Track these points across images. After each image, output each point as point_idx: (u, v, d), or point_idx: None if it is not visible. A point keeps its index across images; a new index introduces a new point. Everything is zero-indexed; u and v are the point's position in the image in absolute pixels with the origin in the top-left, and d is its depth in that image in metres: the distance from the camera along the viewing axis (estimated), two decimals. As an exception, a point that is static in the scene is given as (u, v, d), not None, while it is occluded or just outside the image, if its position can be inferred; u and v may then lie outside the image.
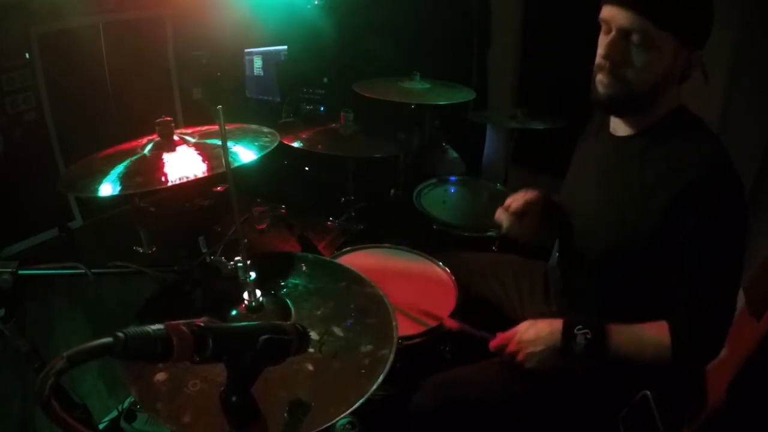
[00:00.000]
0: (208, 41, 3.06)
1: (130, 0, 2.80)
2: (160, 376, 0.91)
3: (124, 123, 2.77)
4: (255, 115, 3.05)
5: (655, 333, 1.07)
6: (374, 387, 0.88)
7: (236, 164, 1.19)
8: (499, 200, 1.37)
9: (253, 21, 2.85)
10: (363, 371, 0.93)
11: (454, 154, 2.70)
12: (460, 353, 1.47)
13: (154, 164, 1.19)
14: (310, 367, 0.93)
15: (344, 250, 1.68)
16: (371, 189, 2.40)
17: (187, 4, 2.92)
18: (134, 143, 1.30)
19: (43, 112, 2.59)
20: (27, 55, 2.47)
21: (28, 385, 1.85)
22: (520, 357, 1.15)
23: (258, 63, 3.03)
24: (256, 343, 0.67)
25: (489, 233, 1.92)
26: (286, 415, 0.83)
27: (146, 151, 1.24)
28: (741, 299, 1.29)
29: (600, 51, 1.06)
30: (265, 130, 1.43)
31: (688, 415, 1.33)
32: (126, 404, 1.74)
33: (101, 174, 1.15)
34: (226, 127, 0.93)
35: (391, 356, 0.94)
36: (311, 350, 0.94)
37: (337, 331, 1.03)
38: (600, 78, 1.07)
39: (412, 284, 1.53)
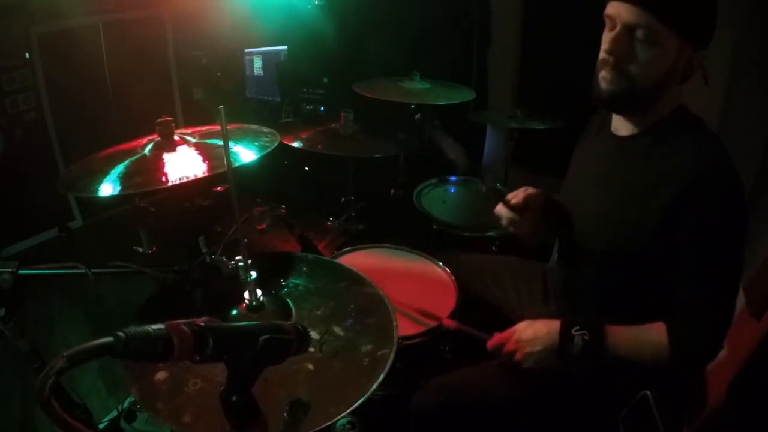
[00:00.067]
0: (208, 41, 3.06)
1: (130, 0, 2.80)
2: (161, 376, 0.91)
3: (124, 123, 2.77)
4: (255, 115, 3.05)
5: (653, 334, 1.07)
6: (374, 387, 0.88)
7: (236, 164, 1.19)
8: (499, 200, 1.37)
9: (253, 21, 2.85)
10: (363, 371, 0.93)
11: (454, 155, 2.70)
12: (460, 353, 1.47)
13: (154, 164, 1.19)
14: (311, 367, 0.93)
15: (344, 250, 1.69)
16: (371, 189, 2.40)
17: (187, 4, 2.92)
18: (134, 143, 1.30)
19: (43, 112, 2.59)
20: (27, 55, 2.47)
21: (28, 385, 1.84)
22: (517, 357, 1.15)
23: (258, 63, 3.03)
24: (256, 343, 0.67)
25: (489, 233, 1.92)
26: (286, 414, 0.83)
27: (146, 151, 1.24)
28: (741, 299, 1.29)
29: (604, 46, 1.06)
30: (265, 130, 1.43)
31: (688, 415, 1.33)
32: (126, 404, 1.74)
33: (101, 174, 1.15)
34: (227, 127, 0.93)
35: (391, 356, 0.94)
36: (311, 350, 0.94)
37: (338, 330, 1.03)
38: (603, 74, 1.07)
39: (412, 284, 1.53)
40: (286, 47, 2.89)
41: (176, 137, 1.28)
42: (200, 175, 1.13)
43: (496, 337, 1.21)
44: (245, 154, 1.24)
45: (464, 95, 2.24)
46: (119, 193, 1.09)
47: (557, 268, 1.42)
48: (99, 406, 1.82)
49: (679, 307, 1.06)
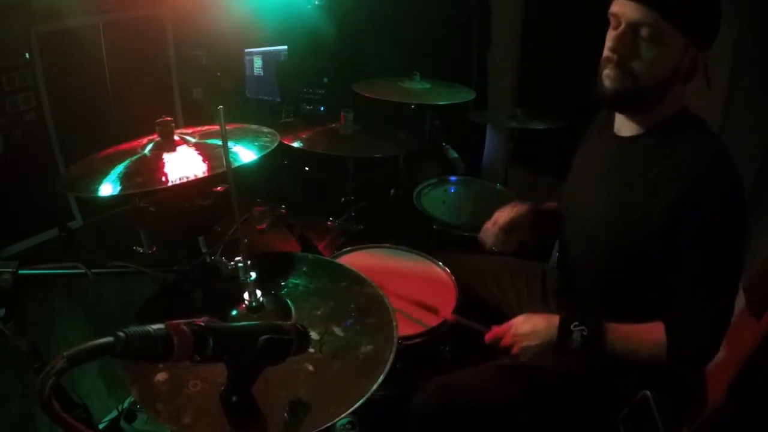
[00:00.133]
0: (208, 41, 3.06)
1: (130, 0, 2.80)
2: (161, 376, 0.91)
3: (124, 123, 2.77)
4: (255, 115, 3.05)
5: (652, 332, 1.07)
6: (374, 387, 0.88)
7: (236, 164, 1.19)
8: (499, 200, 1.37)
9: (253, 21, 2.85)
10: (363, 371, 0.93)
11: (454, 154, 2.70)
12: (460, 353, 1.47)
13: (154, 164, 1.19)
14: (310, 367, 0.93)
15: (344, 250, 1.68)
16: (371, 189, 2.40)
17: (187, 4, 2.92)
18: (134, 143, 1.30)
19: (43, 112, 2.59)
20: (27, 55, 2.47)
21: (28, 385, 1.84)
22: (514, 351, 1.15)
23: (258, 63, 3.03)
24: (256, 343, 0.67)
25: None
26: (286, 415, 0.83)
27: (146, 151, 1.24)
28: (741, 299, 1.29)
29: (608, 44, 1.06)
30: (265, 130, 1.43)
31: (688, 415, 1.33)
32: (126, 404, 1.74)
33: (101, 174, 1.15)
34: (226, 127, 0.93)
35: (391, 356, 0.94)
36: (311, 350, 0.94)
37: (337, 331, 1.03)
38: (607, 72, 1.07)
39: (412, 284, 1.53)
40: (286, 47, 2.89)
41: (176, 137, 1.28)
42: (200, 175, 1.13)
43: (494, 331, 1.21)
44: (245, 154, 1.24)
45: (464, 95, 2.25)
46: (119, 193, 1.09)
47: (557, 269, 1.43)
48: (99, 406, 1.82)
49: (679, 307, 1.06)
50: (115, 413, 1.75)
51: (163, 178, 1.12)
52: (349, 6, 2.55)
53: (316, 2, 2.61)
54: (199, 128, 1.40)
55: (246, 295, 1.05)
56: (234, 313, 1.06)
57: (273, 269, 1.19)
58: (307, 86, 2.80)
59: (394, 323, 1.03)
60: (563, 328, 1.11)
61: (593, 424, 1.20)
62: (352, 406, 0.85)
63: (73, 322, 2.26)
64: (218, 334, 0.63)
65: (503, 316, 1.50)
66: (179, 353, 0.58)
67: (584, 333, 1.09)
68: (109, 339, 0.55)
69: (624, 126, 1.18)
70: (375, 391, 0.88)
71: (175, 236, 1.42)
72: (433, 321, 1.37)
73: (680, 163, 1.05)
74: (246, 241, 1.04)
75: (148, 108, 2.35)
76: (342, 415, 0.85)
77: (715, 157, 1.04)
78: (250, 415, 0.69)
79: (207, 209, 1.37)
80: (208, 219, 1.46)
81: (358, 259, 1.64)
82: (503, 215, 1.37)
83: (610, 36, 1.06)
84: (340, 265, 1.26)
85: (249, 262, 1.03)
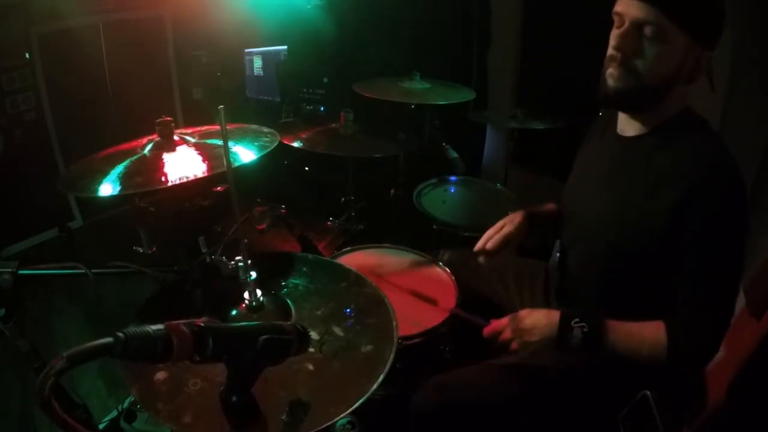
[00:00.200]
0: (208, 41, 3.07)
1: (130, 0, 2.80)
2: (161, 376, 0.91)
3: (124, 123, 2.78)
4: (255, 115, 3.05)
5: (652, 331, 1.07)
6: (374, 387, 0.88)
7: (236, 164, 1.19)
8: (499, 200, 1.37)
9: (253, 21, 2.85)
10: (363, 371, 0.93)
11: (454, 154, 2.70)
12: (460, 353, 1.47)
13: (154, 164, 1.19)
14: (310, 367, 0.93)
15: (344, 250, 1.68)
16: (371, 189, 2.40)
17: (187, 4, 2.92)
18: (134, 143, 1.30)
19: (43, 112, 2.59)
20: (27, 55, 2.48)
21: (28, 385, 1.85)
22: (514, 345, 1.15)
23: (258, 63, 3.03)
24: (256, 343, 0.67)
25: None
26: (286, 415, 0.83)
27: (146, 151, 1.24)
28: (741, 299, 1.29)
29: (612, 43, 1.06)
30: (265, 130, 1.43)
31: (688, 415, 1.33)
32: (126, 404, 1.74)
33: (101, 174, 1.15)
34: (226, 127, 0.93)
35: (391, 356, 0.94)
36: (311, 350, 0.94)
37: (337, 331, 1.03)
38: (610, 71, 1.07)
39: (412, 284, 1.52)
40: (286, 47, 2.89)
41: (176, 137, 1.28)
42: (200, 175, 1.13)
43: (493, 324, 1.21)
44: (245, 154, 1.24)
45: (464, 95, 2.24)
46: (119, 193, 1.09)
47: (558, 268, 1.42)
48: (99, 406, 1.82)
49: (679, 307, 1.06)
50: (115, 413, 1.75)
51: (163, 178, 1.12)
52: (349, 6, 2.55)
53: (316, 2, 2.61)
54: (199, 128, 1.40)
55: (246, 295, 1.05)
56: (234, 313, 1.06)
57: (273, 269, 1.19)
58: (307, 86, 2.80)
59: (394, 323, 1.03)
60: (564, 324, 1.11)
61: (593, 423, 1.20)
62: (352, 406, 0.85)
63: (73, 322, 2.27)
64: (218, 334, 0.63)
65: (505, 314, 1.51)
66: (179, 354, 0.58)
67: (585, 330, 1.09)
68: (109, 339, 0.55)
69: (627, 126, 1.18)
70: (375, 391, 0.88)
71: (175, 236, 1.42)
72: (432, 316, 1.37)
73: (681, 163, 1.04)
74: (246, 241, 1.04)
75: (148, 108, 2.36)
76: (342, 415, 0.85)
77: (716, 157, 1.04)
78: (250, 415, 0.69)
79: (207, 209, 1.37)
80: (208, 219, 1.46)
81: (358, 259, 1.64)
82: (493, 239, 1.34)
83: (614, 35, 1.06)
84: (340, 265, 1.26)
85: (249, 262, 1.03)
